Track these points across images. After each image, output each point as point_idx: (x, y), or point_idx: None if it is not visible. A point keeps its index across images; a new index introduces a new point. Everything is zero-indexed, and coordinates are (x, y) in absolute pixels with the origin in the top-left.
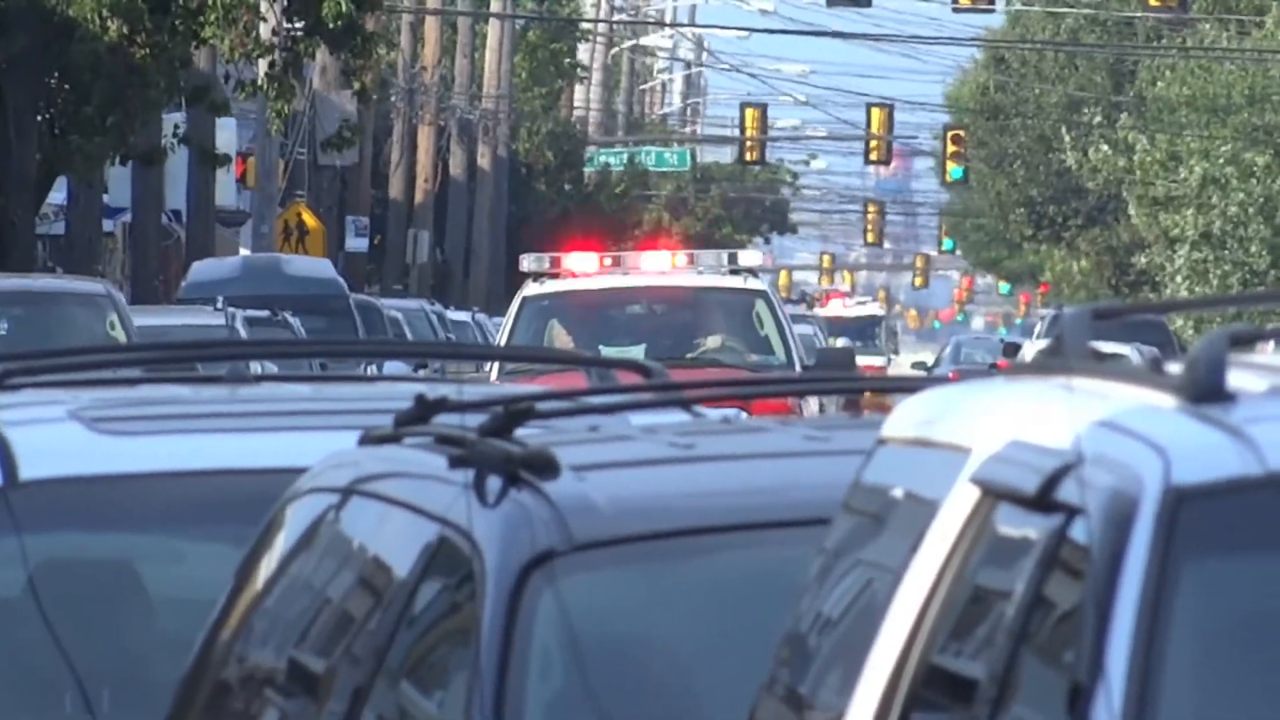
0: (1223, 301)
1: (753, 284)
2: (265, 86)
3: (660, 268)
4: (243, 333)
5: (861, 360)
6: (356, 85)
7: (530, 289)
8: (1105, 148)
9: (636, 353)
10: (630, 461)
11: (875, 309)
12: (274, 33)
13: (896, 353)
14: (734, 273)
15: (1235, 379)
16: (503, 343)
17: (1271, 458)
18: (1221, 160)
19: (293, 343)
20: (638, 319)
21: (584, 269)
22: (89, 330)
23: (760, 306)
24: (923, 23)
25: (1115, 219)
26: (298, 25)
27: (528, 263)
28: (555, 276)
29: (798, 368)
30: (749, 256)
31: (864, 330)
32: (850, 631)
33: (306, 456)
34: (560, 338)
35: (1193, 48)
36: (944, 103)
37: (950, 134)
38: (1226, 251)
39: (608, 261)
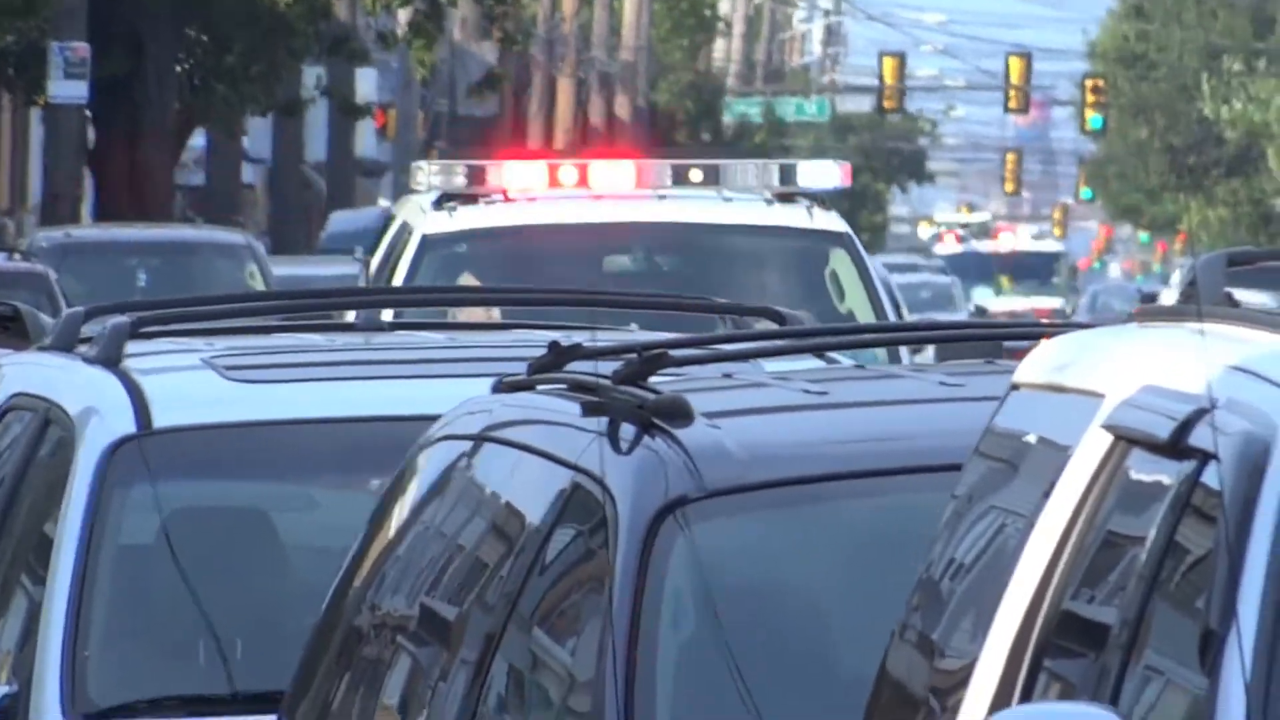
0: None
1: (824, 221)
2: (408, 35)
3: (657, 188)
4: None
5: (1034, 303)
6: (498, 33)
7: (433, 222)
8: (1239, 104)
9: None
10: (763, 408)
11: (1054, 244)
12: None
13: (1078, 292)
14: (785, 199)
15: None
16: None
17: None
18: None
19: (429, 290)
20: (619, 281)
21: (524, 186)
22: (228, 280)
23: (838, 259)
24: None
25: (1255, 168)
26: None
27: (426, 175)
28: (476, 200)
29: (906, 359)
30: (816, 172)
31: (1040, 268)
32: (982, 577)
33: (439, 404)
34: (470, 309)
35: None
36: (1087, 51)
37: (1089, 82)
38: None
39: (567, 176)
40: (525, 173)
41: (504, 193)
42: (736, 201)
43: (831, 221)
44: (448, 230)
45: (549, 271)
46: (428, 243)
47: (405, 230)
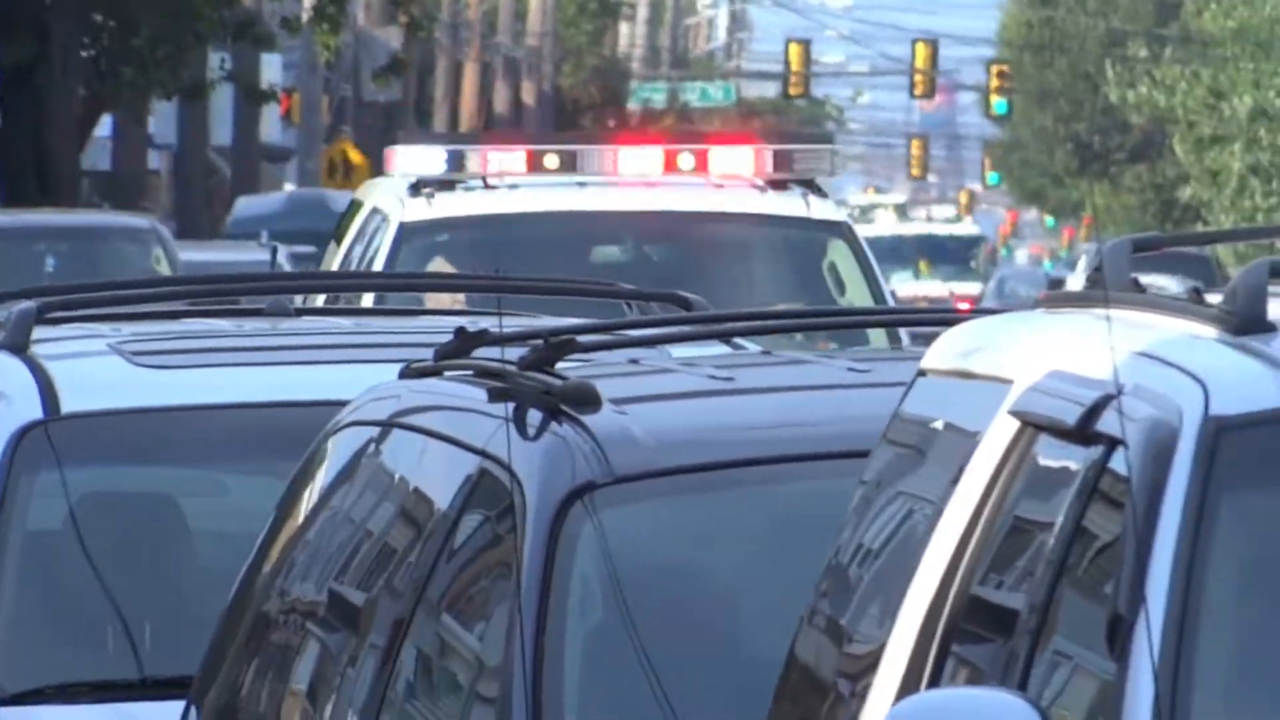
0: (1264, 233)
1: (821, 209)
2: (312, 20)
3: (645, 175)
4: (287, 268)
5: (953, 288)
6: (403, 18)
7: (411, 209)
8: (1144, 89)
9: None
10: (670, 394)
11: (972, 227)
12: None
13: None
14: (777, 186)
15: (1276, 310)
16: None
17: None
18: (1272, 92)
19: (339, 275)
20: (604, 272)
21: (503, 170)
22: (135, 265)
23: (837, 251)
24: None
25: (1160, 154)
26: None
27: (404, 159)
28: (454, 186)
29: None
30: (812, 159)
31: (958, 253)
32: (890, 563)
33: (347, 389)
34: (440, 296)
35: None
36: (995, 37)
37: (994, 68)
38: (1275, 185)
39: (550, 162)
40: (505, 158)
41: (483, 178)
42: (728, 188)
43: (829, 210)
44: (427, 218)
45: (534, 261)
46: (406, 231)
47: (377, 216)
